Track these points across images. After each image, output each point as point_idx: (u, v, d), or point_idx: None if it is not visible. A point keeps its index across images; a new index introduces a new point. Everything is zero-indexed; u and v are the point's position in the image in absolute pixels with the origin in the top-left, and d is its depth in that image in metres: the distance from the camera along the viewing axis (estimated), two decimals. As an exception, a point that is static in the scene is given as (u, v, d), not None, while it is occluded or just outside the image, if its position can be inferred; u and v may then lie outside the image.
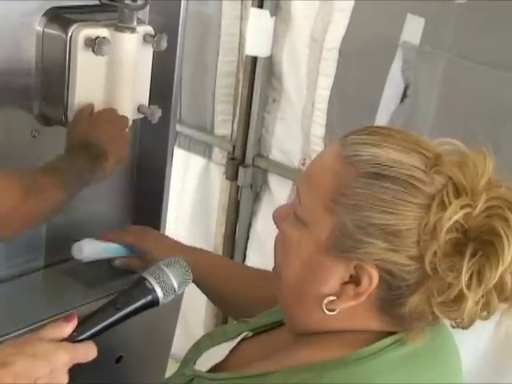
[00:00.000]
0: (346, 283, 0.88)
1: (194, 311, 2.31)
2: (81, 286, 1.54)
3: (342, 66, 1.94)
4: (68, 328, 0.93)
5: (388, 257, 0.85)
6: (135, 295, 0.99)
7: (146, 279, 1.00)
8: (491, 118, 1.72)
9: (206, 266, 1.30)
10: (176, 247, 1.40)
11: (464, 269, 0.81)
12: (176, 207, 2.28)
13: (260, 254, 2.26)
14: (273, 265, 0.98)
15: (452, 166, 0.86)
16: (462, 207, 0.82)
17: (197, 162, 2.37)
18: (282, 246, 0.94)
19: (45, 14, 1.37)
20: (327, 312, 0.89)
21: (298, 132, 2.10)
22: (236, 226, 2.30)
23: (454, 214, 0.82)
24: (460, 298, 0.83)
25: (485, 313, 0.86)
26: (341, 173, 0.87)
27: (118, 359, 1.48)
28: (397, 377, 0.88)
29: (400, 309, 0.87)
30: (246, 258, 2.31)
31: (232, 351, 1.06)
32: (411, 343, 0.90)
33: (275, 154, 2.19)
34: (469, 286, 0.82)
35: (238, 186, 2.24)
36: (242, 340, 1.08)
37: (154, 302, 0.99)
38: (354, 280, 0.88)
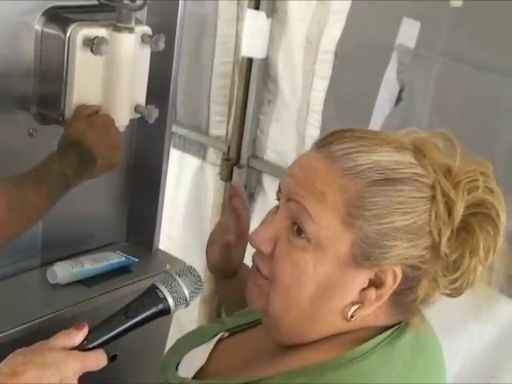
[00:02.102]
0: (365, 289, 0.89)
1: (188, 311, 2.30)
2: (77, 285, 1.54)
3: (338, 68, 1.95)
4: (79, 336, 0.93)
5: (409, 253, 0.87)
6: (146, 304, 0.97)
7: (157, 288, 0.98)
8: (485, 121, 1.72)
9: None
10: None
11: (481, 244, 0.87)
12: (170, 207, 2.28)
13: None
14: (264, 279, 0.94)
15: (429, 151, 0.90)
16: (469, 189, 0.88)
17: (191, 162, 2.36)
18: (289, 271, 0.89)
19: (44, 14, 1.38)
20: (350, 319, 0.90)
21: (292, 133, 2.10)
22: (230, 227, 2.30)
23: (464, 198, 0.87)
24: (467, 271, 0.88)
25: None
26: (347, 186, 0.87)
27: (113, 358, 1.49)
28: (388, 375, 0.89)
29: (412, 295, 0.90)
30: (240, 259, 2.31)
31: (210, 353, 1.06)
32: (414, 330, 0.93)
33: (270, 155, 2.19)
34: (486, 258, 0.88)
35: (233, 187, 2.24)
36: (219, 341, 1.08)
37: (165, 311, 0.98)
38: (374, 283, 0.89)
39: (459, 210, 0.87)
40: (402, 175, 0.87)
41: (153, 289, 0.99)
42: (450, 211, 0.87)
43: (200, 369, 1.03)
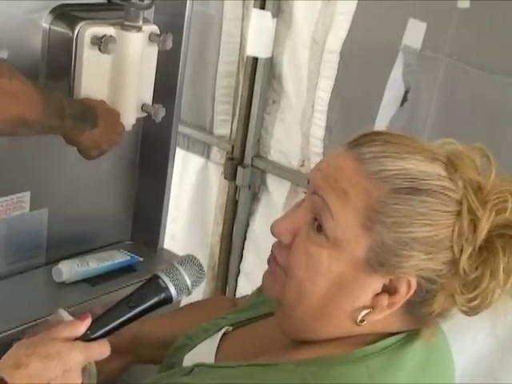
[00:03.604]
0: (378, 294, 0.89)
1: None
2: (82, 284, 1.54)
3: (343, 68, 1.95)
4: (82, 327, 0.93)
5: (426, 265, 0.86)
6: (149, 293, 0.99)
7: (159, 277, 0.99)
8: (491, 123, 1.72)
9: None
10: None
11: (502, 265, 0.85)
12: (173, 206, 2.27)
13: (256, 254, 2.27)
14: (277, 274, 0.95)
15: (463, 166, 0.89)
16: (491, 209, 0.86)
17: (195, 161, 2.36)
18: (304, 264, 0.90)
19: (51, 12, 1.38)
20: (360, 324, 0.90)
21: (297, 133, 2.10)
22: (233, 226, 2.30)
23: (490, 217, 0.86)
24: (486, 291, 0.86)
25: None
26: (371, 190, 0.87)
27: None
28: (398, 376, 0.89)
29: (427, 308, 0.89)
30: (243, 258, 2.31)
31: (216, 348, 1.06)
32: (424, 339, 0.92)
33: (274, 155, 2.19)
34: (505, 281, 0.86)
35: (237, 186, 2.24)
36: (224, 334, 1.08)
37: (168, 300, 0.99)
38: (388, 290, 0.88)
39: (483, 229, 0.85)
40: (429, 186, 0.86)
41: (155, 278, 1.00)
42: (474, 229, 0.86)
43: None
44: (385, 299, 0.88)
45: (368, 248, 0.87)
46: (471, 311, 0.89)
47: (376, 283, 0.88)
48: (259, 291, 1.17)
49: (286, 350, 0.96)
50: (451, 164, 0.89)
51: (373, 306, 0.89)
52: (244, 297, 1.32)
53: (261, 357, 0.96)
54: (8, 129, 1.19)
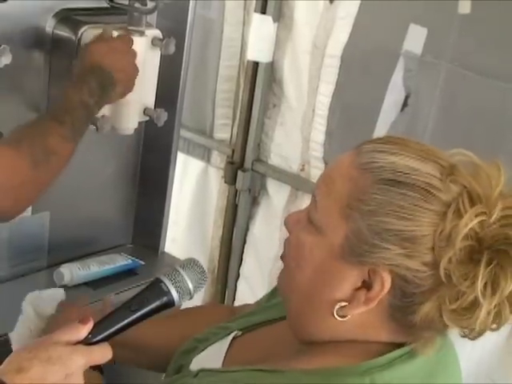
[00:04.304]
0: (358, 289, 0.88)
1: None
2: (83, 287, 1.54)
3: (344, 73, 1.95)
4: (83, 331, 0.93)
5: (402, 262, 0.85)
6: (151, 297, 0.98)
7: (161, 281, 0.99)
8: (491, 128, 1.73)
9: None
10: None
11: (480, 277, 0.82)
12: (174, 210, 2.28)
13: (256, 257, 2.27)
14: (280, 269, 0.98)
15: (467, 175, 0.87)
16: (477, 215, 0.83)
17: (195, 165, 2.37)
18: (294, 250, 0.94)
19: (55, 16, 1.39)
20: (338, 318, 0.90)
21: (297, 138, 2.11)
22: (233, 230, 2.30)
23: (470, 221, 0.83)
24: (473, 306, 0.83)
25: (495, 324, 0.86)
26: (357, 179, 0.88)
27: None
28: None
29: (411, 317, 0.87)
30: (243, 262, 2.31)
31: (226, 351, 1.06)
32: (421, 354, 0.90)
33: (274, 159, 2.20)
34: (484, 295, 0.82)
35: (237, 190, 2.25)
36: (233, 339, 1.08)
37: (170, 304, 0.99)
38: (367, 285, 0.88)
39: (459, 234, 0.82)
40: (413, 181, 0.86)
41: (157, 282, 1.00)
42: (452, 235, 0.83)
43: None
44: (362, 294, 0.88)
45: (345, 236, 0.87)
46: (464, 331, 0.88)
47: (354, 275, 0.88)
48: (271, 294, 1.17)
49: (294, 357, 0.95)
50: (451, 169, 0.87)
51: (350, 300, 0.89)
52: (244, 305, 1.32)
53: (267, 362, 0.96)
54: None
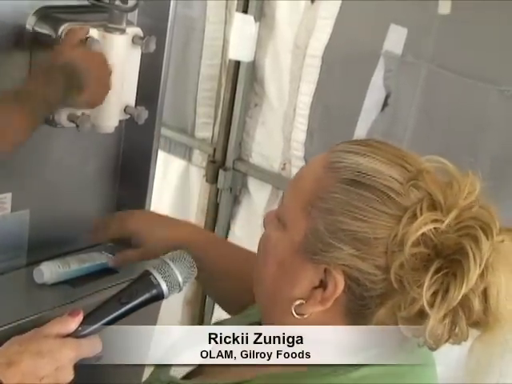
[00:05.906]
0: (315, 287, 0.89)
1: (171, 313, 2.31)
2: (63, 285, 1.54)
3: (325, 72, 1.96)
4: (73, 324, 0.94)
5: (355, 263, 0.85)
6: (140, 290, 0.99)
7: (151, 274, 1.00)
8: (471, 128, 1.74)
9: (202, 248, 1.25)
10: (166, 225, 1.36)
11: (426, 284, 0.81)
12: (154, 208, 2.28)
13: (237, 256, 2.27)
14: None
15: (432, 182, 0.86)
16: (431, 221, 0.83)
17: (177, 164, 2.37)
18: (261, 245, 0.96)
19: (35, 13, 1.37)
20: (296, 316, 0.90)
21: (278, 137, 2.11)
22: (215, 229, 2.30)
23: (422, 227, 0.82)
24: (423, 314, 0.82)
25: (452, 338, 0.84)
26: (322, 178, 0.89)
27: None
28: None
29: (366, 321, 0.87)
30: (224, 261, 2.31)
31: None
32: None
33: (255, 158, 2.20)
34: (431, 303, 0.81)
35: (218, 189, 2.25)
36: None
37: (159, 296, 1.00)
38: (323, 285, 0.88)
39: (409, 240, 0.82)
40: (373, 183, 0.86)
41: (146, 274, 1.00)
42: (404, 240, 0.83)
43: (195, 369, 1.03)
44: (319, 294, 0.88)
45: (304, 233, 0.89)
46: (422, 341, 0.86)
47: (311, 274, 0.89)
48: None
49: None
50: (416, 175, 0.86)
51: (307, 299, 0.89)
52: None
53: (230, 369, 0.95)
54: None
